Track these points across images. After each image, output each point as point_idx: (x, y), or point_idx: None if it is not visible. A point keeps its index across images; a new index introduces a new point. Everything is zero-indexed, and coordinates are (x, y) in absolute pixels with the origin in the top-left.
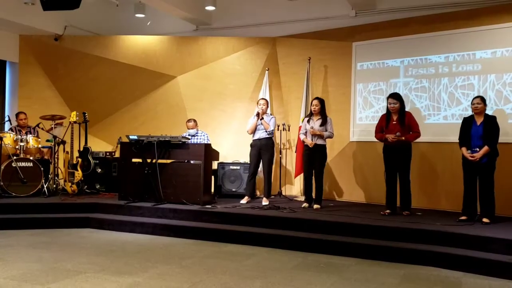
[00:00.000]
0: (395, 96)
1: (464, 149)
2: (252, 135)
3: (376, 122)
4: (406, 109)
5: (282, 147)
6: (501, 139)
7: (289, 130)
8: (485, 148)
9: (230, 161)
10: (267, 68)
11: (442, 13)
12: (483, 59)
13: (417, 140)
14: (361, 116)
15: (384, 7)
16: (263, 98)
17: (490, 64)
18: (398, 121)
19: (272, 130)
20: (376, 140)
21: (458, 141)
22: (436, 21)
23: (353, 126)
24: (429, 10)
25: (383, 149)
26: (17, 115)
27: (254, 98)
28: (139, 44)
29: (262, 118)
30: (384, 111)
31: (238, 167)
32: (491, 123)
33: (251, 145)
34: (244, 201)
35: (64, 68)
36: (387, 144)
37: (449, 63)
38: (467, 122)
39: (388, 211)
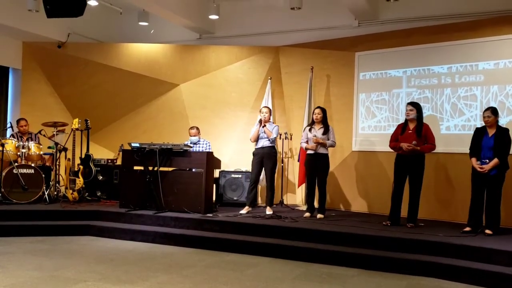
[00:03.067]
0: (413, 104)
1: (474, 160)
2: (255, 143)
3: (379, 132)
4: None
5: (284, 156)
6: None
7: (291, 139)
8: (495, 160)
9: (231, 169)
10: (269, 77)
11: (445, 24)
12: (486, 70)
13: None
14: (363, 126)
15: (386, 17)
16: (265, 106)
17: (493, 75)
18: (414, 131)
19: (274, 138)
20: (378, 150)
21: (463, 151)
22: (438, 32)
23: (356, 135)
24: (432, 21)
25: (395, 159)
26: (17, 121)
27: (257, 107)
28: (142, 52)
29: (265, 126)
30: (387, 122)
31: (240, 176)
32: (503, 135)
33: (254, 154)
34: (244, 211)
35: (67, 75)
36: (400, 153)
37: (452, 73)
38: (479, 133)
39: (389, 222)
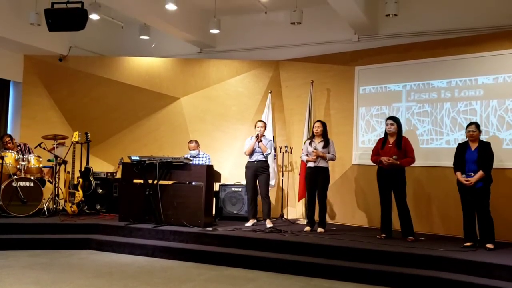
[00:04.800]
0: (393, 118)
1: (459, 173)
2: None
3: None
4: (408, 133)
5: (284, 170)
6: (497, 164)
7: (291, 153)
8: (480, 172)
9: (231, 183)
10: (270, 91)
11: (444, 39)
12: (485, 85)
13: (419, 164)
14: (363, 140)
15: (386, 32)
16: (261, 120)
17: (492, 90)
18: (394, 144)
19: (269, 153)
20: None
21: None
22: (438, 46)
23: (356, 149)
24: (431, 36)
25: (377, 172)
26: (1, 138)
27: (257, 120)
28: (143, 66)
29: (261, 141)
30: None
31: (240, 189)
32: (486, 148)
33: (246, 167)
34: (249, 223)
35: (68, 88)
36: (381, 166)
37: (451, 88)
38: (462, 148)
39: (383, 235)
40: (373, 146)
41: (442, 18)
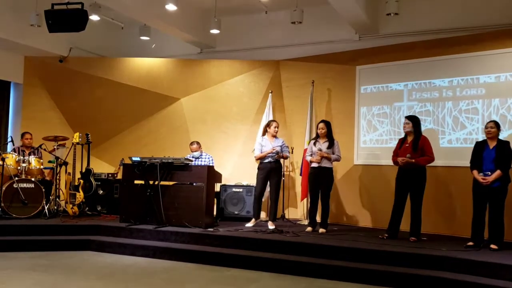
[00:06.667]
0: (409, 117)
1: (475, 172)
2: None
3: (380, 145)
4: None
5: (285, 170)
6: None
7: (292, 153)
8: (498, 171)
9: (232, 183)
10: (270, 91)
11: (445, 37)
12: (487, 84)
13: None
14: (365, 139)
15: (387, 31)
16: (274, 120)
17: (494, 89)
18: (411, 144)
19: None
20: (380, 163)
21: (465, 165)
22: (439, 45)
23: (357, 149)
24: (432, 35)
25: (397, 173)
26: (22, 135)
27: (257, 121)
28: (144, 66)
29: (280, 155)
30: (389, 135)
31: (241, 190)
32: (504, 147)
33: (259, 168)
34: (250, 224)
35: (68, 89)
36: (399, 166)
37: (453, 87)
38: (480, 146)
39: (386, 235)
40: (375, 146)
41: (443, 17)
